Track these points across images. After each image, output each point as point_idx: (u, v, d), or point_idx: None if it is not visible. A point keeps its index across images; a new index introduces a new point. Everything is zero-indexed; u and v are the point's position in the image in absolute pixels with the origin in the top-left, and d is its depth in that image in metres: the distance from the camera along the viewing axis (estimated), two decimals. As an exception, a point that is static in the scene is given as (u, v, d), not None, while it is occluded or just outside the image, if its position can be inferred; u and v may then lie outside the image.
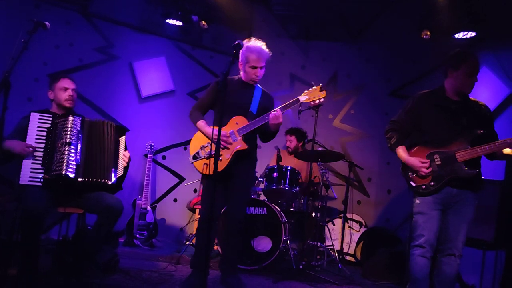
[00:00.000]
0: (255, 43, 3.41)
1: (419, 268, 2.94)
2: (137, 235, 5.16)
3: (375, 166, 5.98)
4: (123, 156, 3.38)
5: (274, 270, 4.18)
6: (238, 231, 3.47)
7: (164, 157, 6.13)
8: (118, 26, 5.86)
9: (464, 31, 5.13)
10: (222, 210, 3.72)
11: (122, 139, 3.43)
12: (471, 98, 3.05)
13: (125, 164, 3.37)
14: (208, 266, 3.48)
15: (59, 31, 5.39)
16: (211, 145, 3.30)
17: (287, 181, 4.63)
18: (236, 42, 2.96)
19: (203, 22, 5.73)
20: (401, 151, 3.07)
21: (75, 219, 3.63)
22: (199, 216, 5.33)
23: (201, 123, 3.41)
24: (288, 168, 4.67)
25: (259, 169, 5.19)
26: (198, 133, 3.46)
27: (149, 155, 5.51)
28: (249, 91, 3.46)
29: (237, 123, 3.34)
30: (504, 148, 2.83)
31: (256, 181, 4.96)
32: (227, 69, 2.87)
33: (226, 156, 3.30)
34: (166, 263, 4.15)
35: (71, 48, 5.54)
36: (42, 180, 3.05)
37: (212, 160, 3.27)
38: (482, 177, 3.01)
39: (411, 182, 3.03)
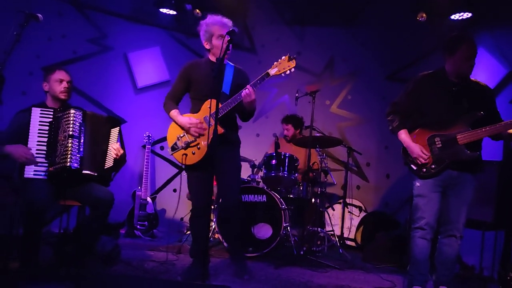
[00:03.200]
0: (212, 16, 3.31)
1: (420, 249, 2.96)
2: (138, 226, 5.18)
3: (373, 151, 5.98)
4: (113, 148, 3.32)
5: (275, 256, 4.19)
6: (235, 218, 3.39)
7: (162, 148, 6.11)
8: (111, 16, 5.80)
9: (460, 12, 5.09)
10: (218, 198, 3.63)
11: (115, 131, 3.40)
12: (472, 79, 3.03)
13: (115, 157, 3.30)
14: (207, 255, 3.48)
15: (51, 23, 5.33)
16: (186, 134, 3.27)
17: (286, 168, 4.62)
18: (231, 29, 2.92)
19: (197, 10, 5.67)
20: (404, 135, 3.06)
21: (75, 212, 3.63)
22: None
23: (173, 113, 3.34)
24: (287, 155, 4.66)
25: (258, 157, 5.20)
26: (173, 123, 3.38)
27: (147, 146, 5.50)
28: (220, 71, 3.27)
29: (210, 107, 3.20)
30: (507, 129, 2.81)
31: (255, 169, 4.96)
32: (222, 56, 2.86)
33: (203, 143, 3.20)
34: (167, 253, 4.15)
35: (64, 40, 5.50)
36: (46, 173, 3.06)
37: (190, 149, 3.25)
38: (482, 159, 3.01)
39: (412, 165, 3.03)
